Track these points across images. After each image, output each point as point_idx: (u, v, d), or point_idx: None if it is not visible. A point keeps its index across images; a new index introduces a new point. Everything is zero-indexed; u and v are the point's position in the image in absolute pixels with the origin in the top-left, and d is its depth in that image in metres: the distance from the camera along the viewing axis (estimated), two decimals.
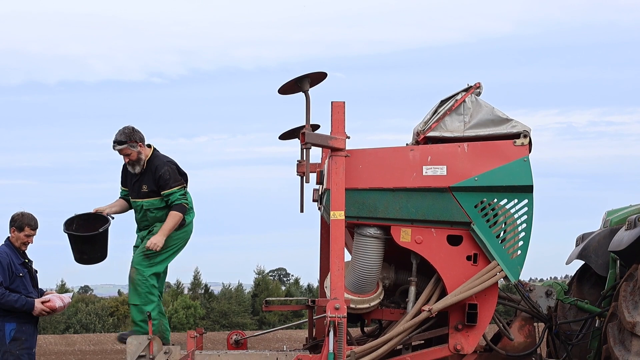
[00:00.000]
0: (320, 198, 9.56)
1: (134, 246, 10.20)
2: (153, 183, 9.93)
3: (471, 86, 9.19)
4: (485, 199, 8.87)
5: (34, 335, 10.16)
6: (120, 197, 10.33)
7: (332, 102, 8.67)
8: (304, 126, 9.06)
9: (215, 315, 58.92)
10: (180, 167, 10.10)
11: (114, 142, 9.91)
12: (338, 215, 8.55)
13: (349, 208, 8.70)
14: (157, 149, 10.09)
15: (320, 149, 9.79)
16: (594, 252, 10.45)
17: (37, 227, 10.21)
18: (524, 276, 9.36)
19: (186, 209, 9.99)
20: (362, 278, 8.99)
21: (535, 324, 9.84)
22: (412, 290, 9.11)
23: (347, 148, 8.67)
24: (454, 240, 8.93)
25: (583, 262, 10.70)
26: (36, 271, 10.38)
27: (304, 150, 8.71)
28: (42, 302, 10.01)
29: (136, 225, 10.28)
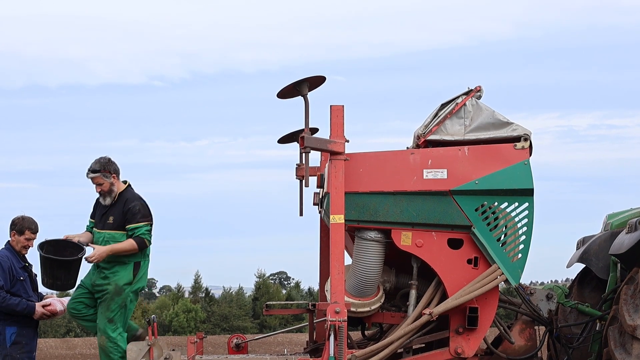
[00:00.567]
0: (321, 202, 9.55)
1: (80, 284, 10.03)
2: (121, 216, 9.85)
3: (472, 89, 9.18)
4: (485, 203, 8.86)
5: (34, 339, 10.16)
6: (86, 230, 10.21)
7: (331, 106, 8.66)
8: (302, 130, 9.06)
9: (216, 319, 58.90)
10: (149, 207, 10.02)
11: (89, 169, 9.88)
12: (338, 218, 8.54)
13: (349, 212, 8.69)
14: (132, 186, 10.05)
15: (319, 152, 9.78)
16: (595, 256, 10.45)
17: (37, 231, 10.21)
18: (525, 279, 9.36)
19: (146, 246, 9.86)
20: (362, 281, 8.98)
21: (536, 327, 9.84)
22: (413, 293, 9.10)
23: (347, 151, 8.66)
24: (454, 244, 8.92)
25: (584, 266, 10.69)
26: (36, 275, 10.38)
27: (303, 154, 8.71)
28: (43, 306, 10.01)
29: None
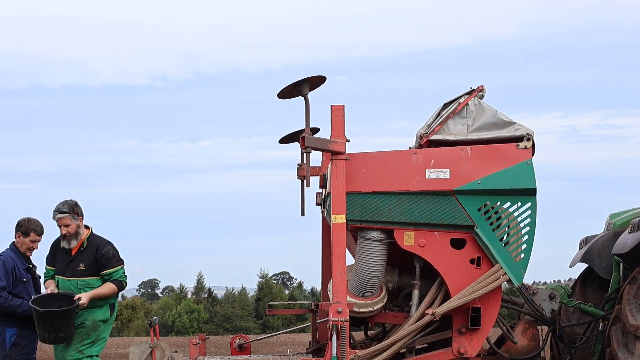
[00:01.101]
0: (323, 202, 9.55)
1: None
2: (93, 262, 9.92)
3: (474, 89, 9.17)
4: (488, 202, 8.85)
5: (34, 341, 10.17)
6: (49, 278, 10.15)
7: (331, 106, 8.65)
8: (303, 130, 9.05)
9: (218, 319, 58.93)
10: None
11: (56, 210, 9.90)
12: (339, 218, 8.53)
13: (352, 211, 8.69)
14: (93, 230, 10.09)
15: (320, 152, 9.77)
16: (598, 255, 10.45)
17: (42, 233, 10.24)
18: (527, 279, 9.35)
19: (124, 288, 10.16)
20: (365, 282, 8.97)
21: (538, 327, 9.83)
22: (416, 293, 9.09)
23: (350, 151, 8.65)
24: (457, 244, 8.91)
25: (586, 265, 10.69)
26: (39, 277, 10.37)
27: (304, 154, 8.70)
28: None
29: None
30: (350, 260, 8.95)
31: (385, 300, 9.16)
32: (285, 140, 10.13)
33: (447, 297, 8.87)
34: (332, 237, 8.54)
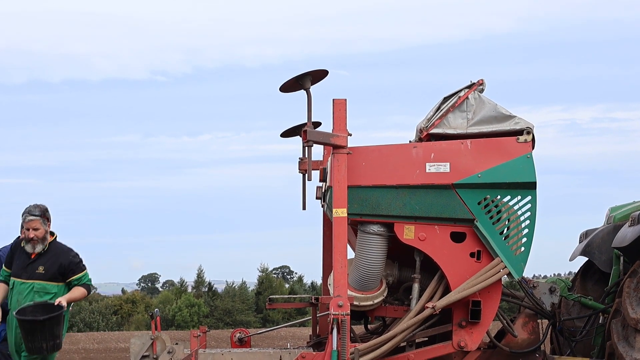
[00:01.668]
0: (324, 195, 9.55)
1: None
2: (55, 268, 9.82)
3: (474, 83, 9.18)
4: (488, 196, 8.86)
5: None
6: (1, 281, 10.03)
7: (333, 100, 8.66)
8: (305, 124, 9.05)
9: (219, 313, 59.03)
10: None
11: (28, 213, 9.81)
12: (340, 212, 8.54)
13: (352, 205, 8.70)
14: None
15: (322, 146, 9.78)
16: (598, 249, 10.46)
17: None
18: (528, 273, 9.35)
19: (90, 292, 10.28)
20: (365, 275, 8.98)
21: (538, 320, 9.84)
22: (416, 287, 9.10)
23: (350, 145, 8.66)
24: (457, 237, 8.92)
25: (587, 259, 10.70)
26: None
27: (306, 148, 8.71)
28: None
29: (10, 308, 9.88)
30: (350, 254, 8.96)
31: (385, 294, 9.17)
32: (287, 134, 10.13)
33: (447, 290, 8.89)
34: (333, 231, 8.55)
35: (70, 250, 10.01)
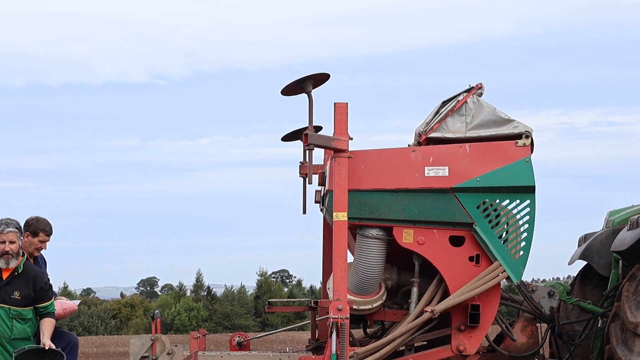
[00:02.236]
0: (323, 199, 9.56)
1: None
2: (28, 291, 9.10)
3: (473, 87, 9.19)
4: (487, 200, 8.87)
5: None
6: None
7: (334, 104, 8.68)
8: (306, 127, 9.06)
9: (217, 317, 58.94)
10: None
11: (5, 224, 9.11)
12: (340, 216, 8.55)
13: (351, 209, 8.70)
14: None
15: (322, 150, 9.79)
16: (597, 253, 10.46)
17: (51, 233, 9.88)
18: (526, 277, 9.37)
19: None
20: (364, 279, 8.99)
21: (537, 324, 9.85)
22: (415, 291, 9.11)
23: (350, 149, 8.67)
24: (456, 241, 8.93)
25: (585, 263, 10.70)
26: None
27: (307, 151, 8.71)
28: None
29: None
30: (349, 258, 8.96)
31: (384, 298, 9.17)
32: (288, 138, 10.14)
33: (446, 294, 8.89)
34: (333, 235, 8.56)
35: (44, 274, 9.44)
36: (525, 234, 8.91)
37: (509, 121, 9.03)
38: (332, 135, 8.65)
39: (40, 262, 10.20)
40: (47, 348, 8.90)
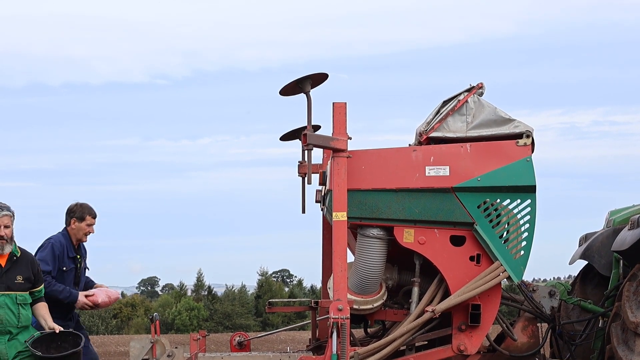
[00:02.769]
0: (323, 199, 9.55)
1: None
2: (30, 274, 8.92)
3: (474, 86, 9.18)
4: (488, 200, 8.86)
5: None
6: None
7: (333, 103, 8.67)
8: (305, 127, 9.05)
9: (218, 317, 58.97)
10: None
11: (0, 207, 8.83)
12: (340, 216, 8.54)
13: (351, 209, 8.69)
14: None
15: (321, 149, 9.78)
16: (597, 252, 10.45)
17: (96, 216, 9.93)
18: (527, 276, 9.36)
19: None
20: (365, 279, 8.98)
21: (538, 324, 9.84)
22: (415, 291, 9.10)
23: (350, 149, 8.66)
24: (457, 241, 8.92)
25: (586, 262, 10.69)
26: (87, 268, 10.17)
27: (306, 151, 8.71)
28: (86, 296, 9.80)
29: None
30: (350, 257, 8.96)
31: (385, 298, 9.16)
32: (286, 137, 10.13)
33: (446, 294, 8.88)
34: (333, 235, 8.55)
35: (34, 257, 9.24)
36: (526, 234, 8.90)
37: (509, 121, 9.01)
38: (330, 135, 8.64)
39: (82, 249, 10.16)
40: (57, 331, 8.80)
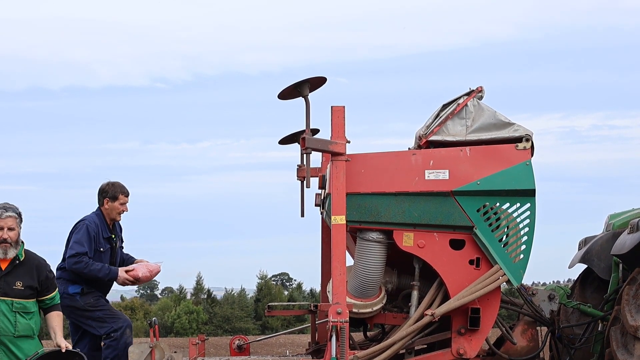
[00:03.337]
0: (322, 203, 9.55)
1: None
2: (32, 281, 8.40)
3: (473, 90, 9.18)
4: (487, 203, 8.85)
5: (101, 297, 9.79)
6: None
7: (332, 107, 8.66)
8: (303, 131, 9.05)
9: (218, 321, 58.91)
10: None
11: (3, 208, 8.38)
12: (339, 219, 8.53)
13: (351, 212, 8.69)
14: None
15: (320, 153, 9.78)
16: (597, 256, 10.45)
17: (129, 194, 9.82)
18: (527, 280, 9.37)
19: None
20: (364, 282, 8.97)
21: (538, 328, 9.84)
22: (415, 294, 9.10)
23: (350, 152, 8.66)
24: (456, 245, 8.92)
25: (586, 266, 10.69)
26: (121, 248, 10.08)
27: (305, 155, 8.71)
28: (126, 271, 9.72)
29: None
30: (349, 261, 8.96)
31: (384, 301, 9.16)
32: (285, 141, 10.14)
33: (446, 297, 8.88)
34: (332, 238, 8.54)
35: (46, 262, 8.68)
36: (525, 238, 8.90)
37: (509, 124, 9.02)
38: (329, 138, 8.64)
39: (117, 228, 10.12)
40: (64, 350, 8.26)
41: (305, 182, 8.94)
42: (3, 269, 8.39)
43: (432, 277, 9.00)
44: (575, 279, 11.04)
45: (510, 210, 8.89)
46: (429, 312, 8.75)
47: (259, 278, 63.82)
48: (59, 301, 8.68)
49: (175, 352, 9.15)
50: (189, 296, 64.35)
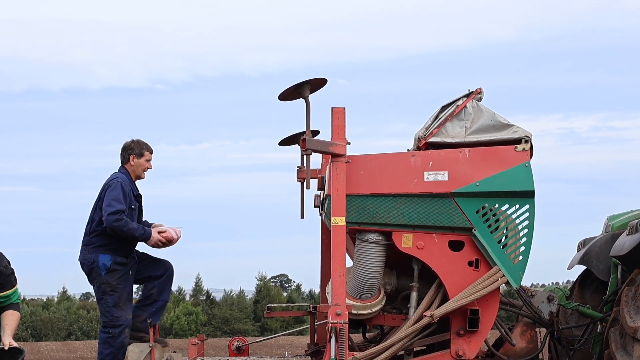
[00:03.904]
0: (322, 204, 9.56)
1: None
2: None
3: (472, 91, 9.18)
4: (486, 205, 8.86)
5: (129, 266, 9.63)
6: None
7: (332, 108, 8.67)
8: (303, 132, 9.05)
9: (216, 322, 58.91)
10: None
11: None
12: (339, 221, 8.54)
13: (350, 214, 8.70)
14: None
15: (320, 154, 9.79)
16: (596, 257, 10.45)
17: (153, 151, 9.70)
18: (526, 281, 9.36)
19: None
20: (363, 284, 8.98)
21: (537, 329, 9.84)
22: (414, 295, 9.10)
23: (348, 154, 8.67)
24: (455, 246, 8.92)
25: (585, 268, 10.69)
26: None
27: (305, 156, 8.71)
28: (159, 232, 9.60)
29: None
30: (348, 262, 8.96)
31: (383, 303, 9.16)
32: (285, 142, 10.14)
33: (445, 299, 8.88)
34: (331, 240, 8.55)
35: (3, 257, 7.93)
36: (524, 239, 8.90)
37: (508, 126, 9.02)
38: (329, 140, 8.64)
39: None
40: (6, 347, 7.56)
41: (305, 183, 8.94)
42: None
43: (431, 278, 9.00)
44: (574, 280, 11.04)
45: (509, 212, 8.89)
46: (428, 313, 8.75)
47: (258, 279, 63.84)
48: (18, 300, 8.03)
49: (174, 351, 9.18)
50: (187, 297, 64.33)
